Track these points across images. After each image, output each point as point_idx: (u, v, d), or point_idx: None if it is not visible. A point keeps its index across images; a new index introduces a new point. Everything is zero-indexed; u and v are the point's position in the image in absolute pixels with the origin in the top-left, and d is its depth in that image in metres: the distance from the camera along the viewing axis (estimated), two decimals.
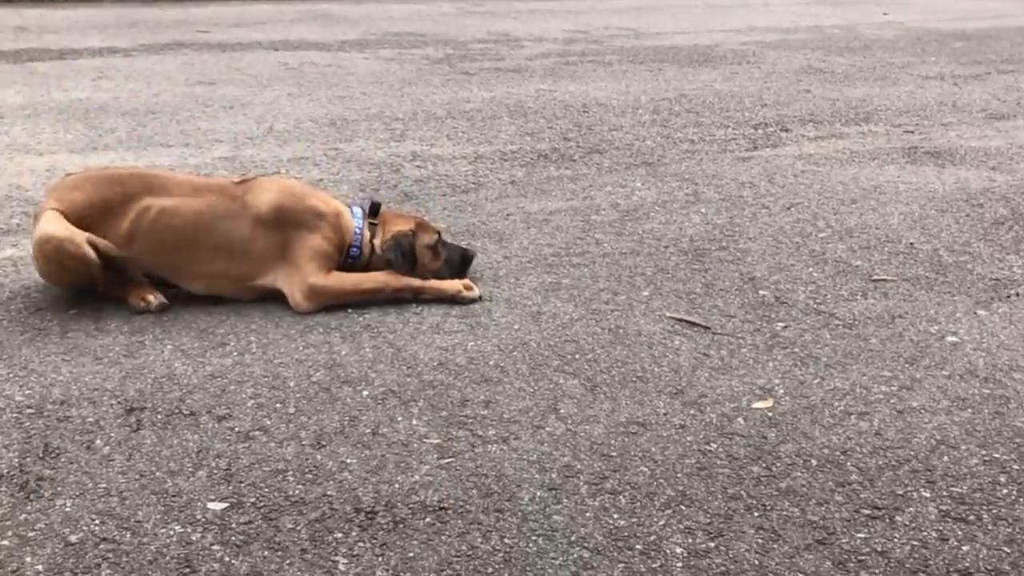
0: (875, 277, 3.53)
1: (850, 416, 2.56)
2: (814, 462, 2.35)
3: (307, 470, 2.27)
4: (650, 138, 5.56)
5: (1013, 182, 4.81)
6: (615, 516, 2.13)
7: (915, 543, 2.06)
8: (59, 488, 2.19)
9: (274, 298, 3.17)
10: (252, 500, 2.16)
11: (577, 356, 2.88)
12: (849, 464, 2.34)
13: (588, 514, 2.14)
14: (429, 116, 5.98)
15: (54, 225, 2.99)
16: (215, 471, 2.26)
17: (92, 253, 2.99)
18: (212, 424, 2.46)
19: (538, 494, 2.20)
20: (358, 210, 3.34)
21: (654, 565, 1.98)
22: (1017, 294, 3.41)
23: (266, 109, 6.03)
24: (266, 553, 1.99)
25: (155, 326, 3.01)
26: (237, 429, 2.44)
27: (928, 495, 2.23)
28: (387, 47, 8.66)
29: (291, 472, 2.27)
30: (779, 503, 2.19)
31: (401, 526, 2.08)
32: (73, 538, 2.02)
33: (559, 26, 10.41)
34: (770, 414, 2.56)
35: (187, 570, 1.94)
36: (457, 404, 2.58)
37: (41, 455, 2.32)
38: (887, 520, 2.13)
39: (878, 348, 2.97)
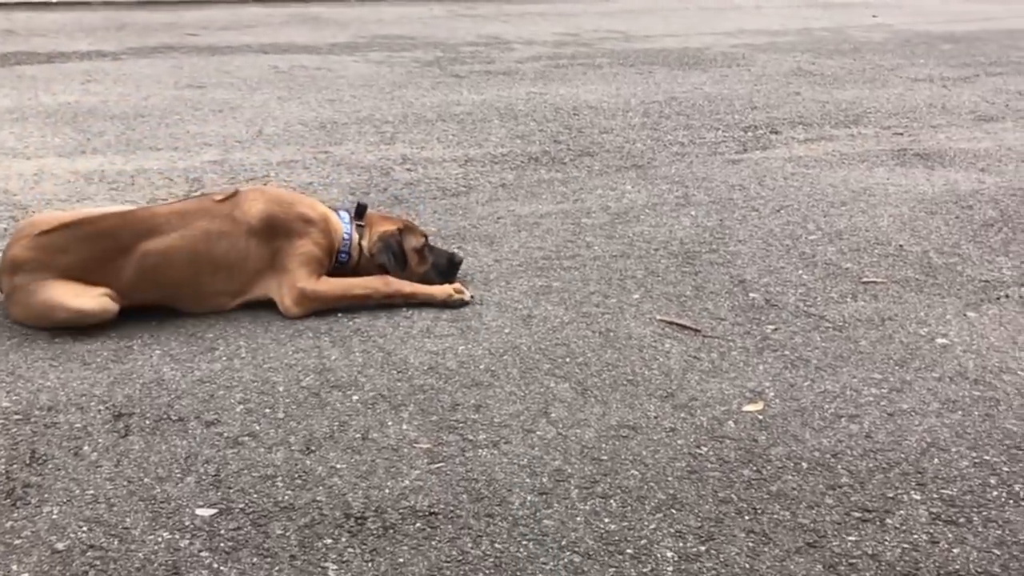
0: (865, 279, 3.54)
1: (840, 419, 2.56)
2: (804, 465, 2.35)
3: (296, 475, 2.26)
4: (640, 141, 5.56)
5: (1002, 184, 4.83)
6: (606, 520, 2.12)
7: (906, 546, 2.06)
8: (46, 495, 2.17)
9: (263, 303, 3.15)
10: (241, 506, 2.15)
11: (568, 359, 2.87)
12: (840, 467, 2.34)
13: (579, 518, 2.13)
14: (419, 119, 5.97)
15: (79, 299, 2.94)
16: (204, 477, 2.25)
17: (116, 308, 3.00)
18: (201, 429, 2.45)
19: (529, 498, 2.20)
20: (344, 214, 3.33)
21: (645, 569, 1.98)
22: (1007, 296, 3.42)
23: (256, 112, 6.02)
24: (255, 560, 1.98)
25: (143, 331, 3.00)
26: (226, 434, 2.43)
27: (919, 497, 2.23)
28: (377, 50, 8.64)
29: (280, 478, 2.25)
30: (770, 506, 2.19)
31: (391, 532, 2.07)
32: (60, 545, 2.01)
33: (549, 29, 10.42)
34: (760, 417, 2.56)
35: None
36: (447, 408, 2.58)
37: (28, 461, 2.30)
38: (878, 523, 2.13)
39: (868, 350, 2.97)
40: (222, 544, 2.02)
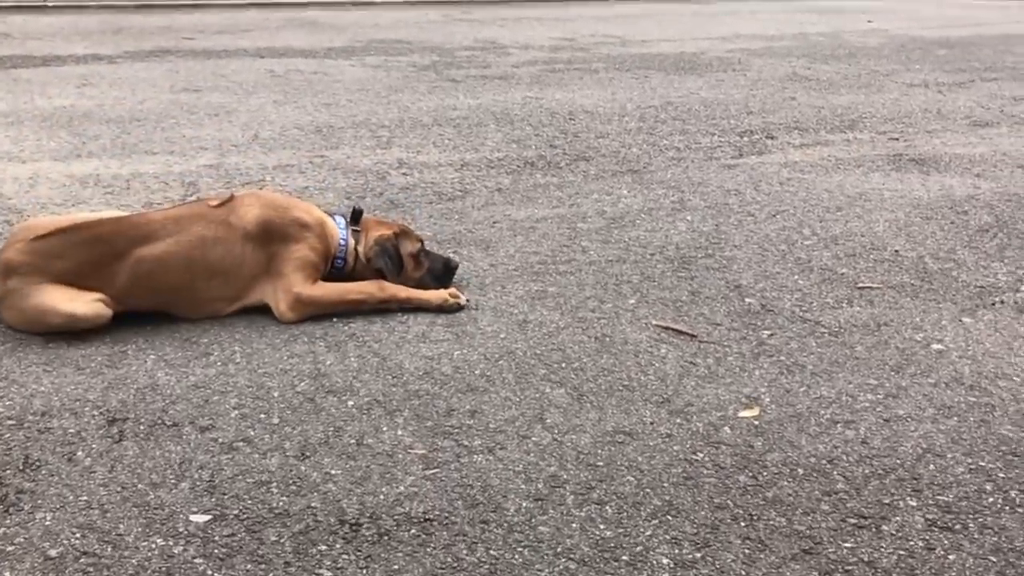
0: (860, 285, 3.54)
1: (836, 425, 2.56)
2: (800, 471, 2.34)
3: (291, 481, 2.26)
4: (636, 145, 5.56)
5: (997, 189, 4.83)
6: (601, 527, 2.12)
7: (901, 552, 2.06)
8: (39, 501, 2.16)
9: (257, 308, 3.15)
10: (235, 512, 2.14)
11: (563, 365, 2.87)
12: (835, 473, 2.34)
13: (574, 525, 2.12)
14: (415, 123, 5.97)
15: (72, 304, 2.93)
16: (198, 483, 2.24)
17: (110, 313, 2.99)
18: (195, 435, 2.44)
19: (524, 505, 2.19)
20: (340, 219, 3.32)
21: None
22: (1002, 301, 3.42)
23: (251, 116, 6.01)
24: (249, 566, 1.97)
25: (138, 336, 2.99)
26: (220, 440, 2.42)
27: (914, 504, 2.23)
28: (373, 54, 8.65)
29: (275, 483, 2.25)
30: (765, 513, 2.18)
31: (386, 538, 2.06)
32: (53, 552, 2.00)
33: (545, 34, 10.43)
34: (756, 423, 2.56)
35: None
36: (443, 414, 2.57)
37: (21, 467, 2.29)
38: (873, 529, 2.13)
39: (864, 356, 2.97)
40: (216, 551, 2.01)
